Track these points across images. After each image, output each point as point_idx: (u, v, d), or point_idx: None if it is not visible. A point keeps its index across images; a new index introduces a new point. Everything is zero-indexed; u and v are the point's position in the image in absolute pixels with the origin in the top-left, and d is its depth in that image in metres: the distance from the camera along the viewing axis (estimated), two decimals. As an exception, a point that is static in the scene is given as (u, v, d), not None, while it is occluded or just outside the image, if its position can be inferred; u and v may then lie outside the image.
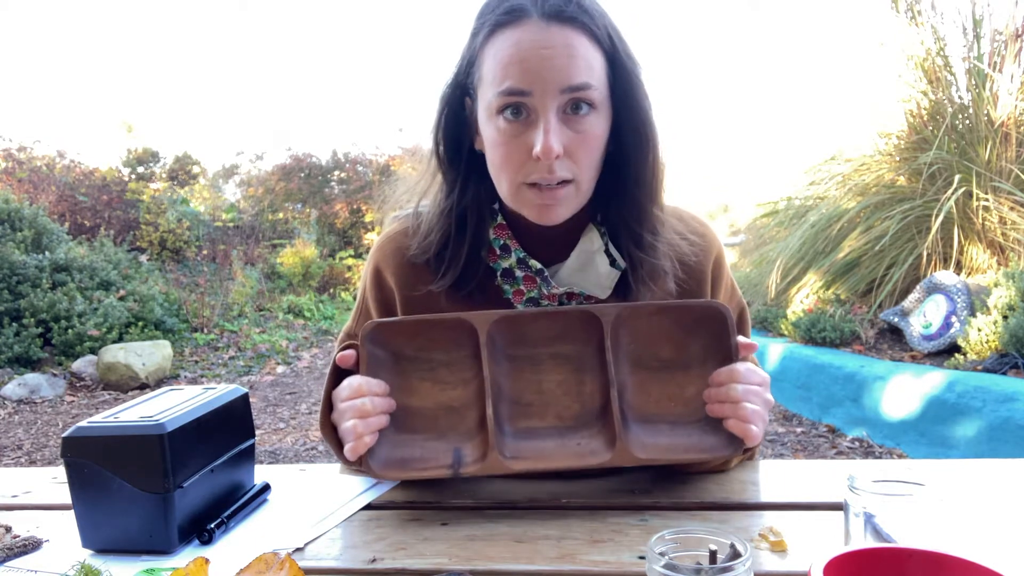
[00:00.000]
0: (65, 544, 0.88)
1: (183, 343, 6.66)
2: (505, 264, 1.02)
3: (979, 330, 3.47)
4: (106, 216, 9.44)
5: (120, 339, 6.01)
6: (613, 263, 1.00)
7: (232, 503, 0.93)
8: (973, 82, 4.48)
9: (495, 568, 0.77)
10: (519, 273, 1.01)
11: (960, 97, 4.67)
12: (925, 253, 4.16)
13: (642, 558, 0.77)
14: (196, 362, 6.27)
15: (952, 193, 4.08)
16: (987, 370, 3.30)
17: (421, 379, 0.94)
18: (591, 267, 1.01)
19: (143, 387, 5.44)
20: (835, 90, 5.66)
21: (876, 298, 4.28)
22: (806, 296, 4.77)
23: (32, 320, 5.85)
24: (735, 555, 0.57)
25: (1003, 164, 4.28)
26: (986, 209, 4.13)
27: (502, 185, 0.95)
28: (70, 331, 5.85)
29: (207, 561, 0.72)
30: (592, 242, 1.00)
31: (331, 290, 9.74)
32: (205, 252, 9.93)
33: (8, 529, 0.91)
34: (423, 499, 0.97)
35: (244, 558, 0.74)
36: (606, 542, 0.82)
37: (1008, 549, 0.77)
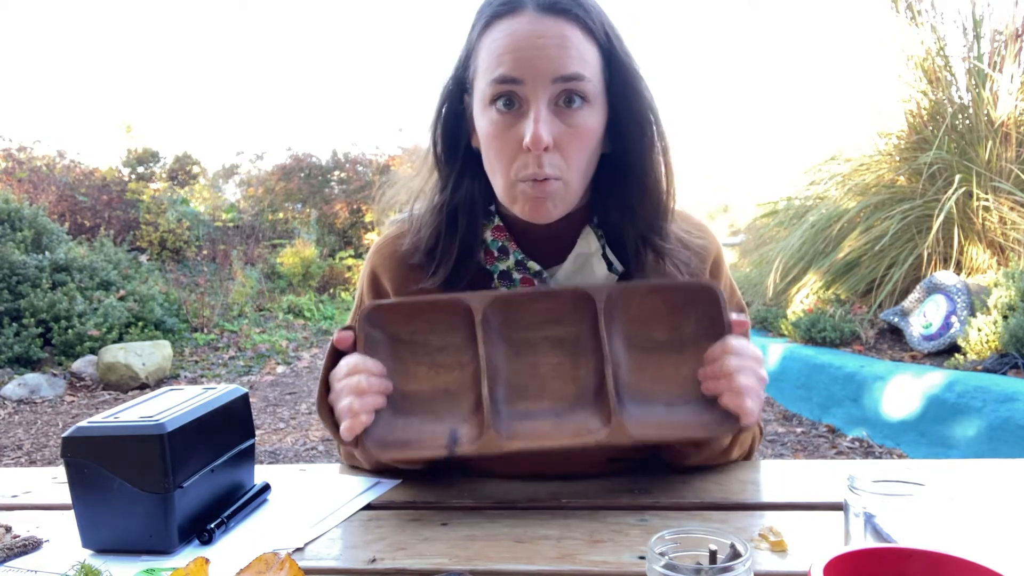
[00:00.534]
0: (65, 544, 0.88)
1: (183, 343, 6.66)
2: (503, 266, 1.02)
3: (979, 330, 3.47)
4: (106, 216, 9.44)
5: (120, 339, 6.01)
6: (610, 267, 1.00)
7: (232, 503, 0.93)
8: (973, 82, 4.48)
9: (495, 568, 0.77)
10: (517, 275, 1.01)
11: (960, 97, 4.67)
12: (925, 253, 4.16)
13: (642, 558, 0.77)
14: (196, 362, 6.27)
15: (952, 193, 4.08)
16: (987, 370, 3.30)
17: (418, 363, 0.95)
18: (588, 271, 1.01)
19: (143, 387, 5.44)
20: (835, 90, 5.65)
21: (876, 298, 4.28)
22: (806, 296, 4.77)
23: (32, 320, 5.85)
24: (735, 555, 0.57)
25: (1003, 164, 4.28)
26: (986, 209, 4.13)
27: (496, 181, 0.95)
28: (70, 331, 5.85)
29: (207, 561, 0.72)
30: (589, 245, 1.00)
31: (331, 290, 9.74)
32: (205, 252, 9.93)
33: (8, 529, 0.91)
34: (423, 499, 0.97)
35: (244, 558, 0.74)
36: (606, 542, 0.82)
37: (1008, 549, 0.77)
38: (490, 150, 0.94)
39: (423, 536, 0.86)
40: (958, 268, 4.23)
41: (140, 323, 6.28)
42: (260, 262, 9.75)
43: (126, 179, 10.65)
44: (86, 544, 0.86)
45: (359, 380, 0.88)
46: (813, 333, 4.29)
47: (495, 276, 1.02)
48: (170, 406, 0.88)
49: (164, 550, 0.84)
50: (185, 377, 5.82)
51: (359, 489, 1.01)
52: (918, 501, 0.66)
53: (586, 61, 0.89)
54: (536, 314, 0.94)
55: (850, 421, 3.77)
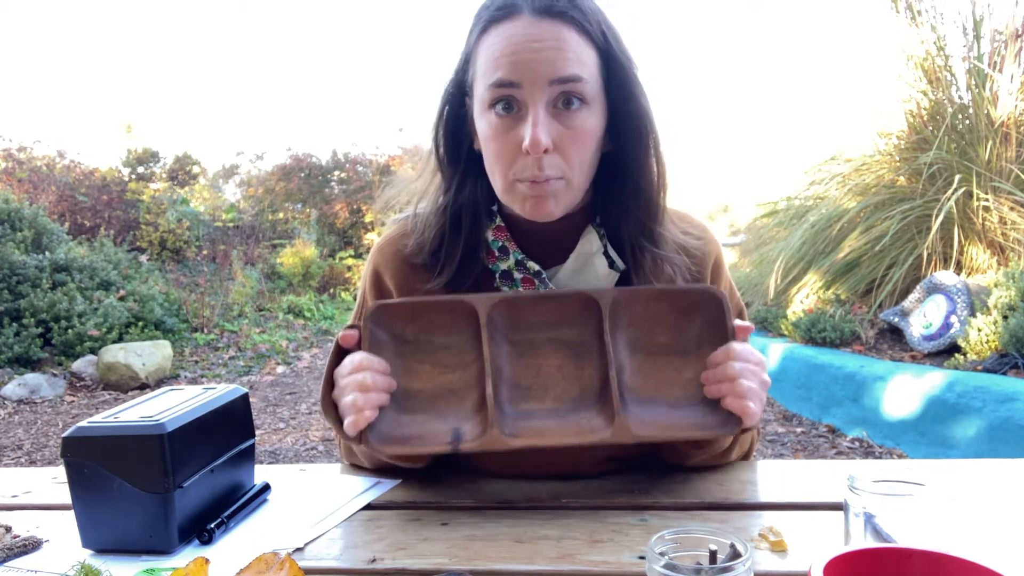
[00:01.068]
0: (65, 544, 0.88)
1: (183, 343, 6.66)
2: (504, 266, 1.02)
3: (979, 330, 3.47)
4: (106, 216, 9.44)
5: (120, 339, 6.01)
6: (612, 265, 1.00)
7: (232, 503, 0.93)
8: (973, 82, 4.48)
9: (495, 568, 0.77)
10: (518, 275, 1.01)
11: (960, 97, 4.67)
12: (925, 253, 4.16)
13: (642, 558, 0.77)
14: (196, 362, 6.27)
15: (952, 193, 4.08)
16: (987, 370, 3.30)
17: (421, 362, 0.95)
18: (589, 269, 1.01)
19: (143, 387, 5.44)
20: (835, 90, 5.65)
21: (876, 298, 4.27)
22: (806, 296, 4.77)
23: (32, 320, 5.85)
24: (735, 555, 0.57)
25: (1003, 164, 4.28)
26: (986, 209, 4.13)
27: (496, 182, 0.95)
28: (70, 331, 5.85)
29: (207, 561, 0.72)
30: (591, 244, 1.00)
31: (331, 290, 9.74)
32: (205, 252, 9.93)
33: (8, 529, 0.91)
34: (423, 499, 0.97)
35: (244, 558, 0.74)
36: (606, 542, 0.82)
37: (1008, 549, 0.77)
38: (489, 152, 0.94)
39: (423, 536, 0.86)
40: (958, 268, 4.23)
41: (140, 323, 6.28)
42: (260, 262, 9.75)
43: (126, 179, 10.65)
44: (86, 544, 0.86)
45: (364, 377, 0.89)
46: (813, 333, 4.29)
47: (497, 276, 1.02)
48: (170, 406, 0.88)
49: (164, 550, 0.84)
50: (185, 377, 5.82)
51: (359, 489, 1.01)
52: (918, 501, 0.66)
53: (583, 63, 0.89)
54: (540, 316, 0.94)
55: (850, 421, 3.76)
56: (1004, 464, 1.02)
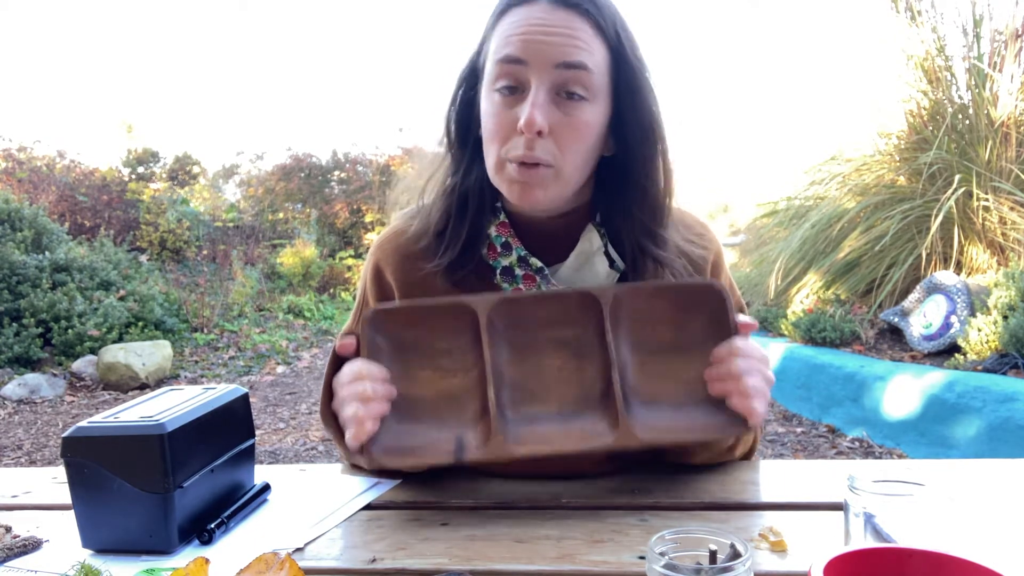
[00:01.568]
0: (65, 544, 0.88)
1: (183, 343, 6.65)
2: (505, 262, 1.02)
3: (979, 330, 3.47)
4: (106, 216, 9.44)
5: (120, 339, 6.01)
6: (612, 264, 1.00)
7: (232, 503, 0.93)
8: (973, 82, 4.48)
9: (495, 568, 0.77)
10: (519, 271, 1.01)
11: (960, 97, 4.67)
12: (925, 253, 4.16)
13: (642, 558, 0.77)
14: (196, 362, 6.27)
15: (952, 193, 4.08)
16: (987, 370, 3.30)
17: (422, 367, 0.94)
18: (590, 268, 1.01)
19: (143, 387, 5.44)
20: (835, 90, 5.65)
21: (876, 298, 4.27)
22: (806, 296, 4.77)
23: (32, 320, 5.85)
24: (735, 555, 0.57)
25: (1003, 164, 4.28)
26: (986, 209, 4.13)
27: (488, 159, 0.96)
28: (70, 331, 5.85)
29: (207, 561, 0.72)
30: (591, 242, 1.00)
31: (331, 290, 9.74)
32: (205, 252, 9.93)
33: (8, 529, 0.91)
34: (423, 499, 0.97)
35: (244, 558, 0.74)
36: (606, 542, 0.82)
37: (1008, 549, 0.77)
38: (486, 129, 0.95)
39: (423, 536, 0.86)
40: (958, 268, 4.23)
41: (140, 323, 6.28)
42: (260, 262, 9.74)
43: (126, 179, 10.64)
44: (86, 544, 0.86)
45: (364, 387, 0.88)
46: (813, 333, 4.29)
47: (497, 271, 1.02)
48: (170, 406, 0.88)
49: (164, 550, 0.84)
50: (185, 377, 5.82)
51: (359, 489, 1.01)
52: (918, 501, 0.66)
53: (592, 55, 0.90)
54: (540, 315, 0.94)
55: (850, 421, 3.76)
56: (1004, 464, 1.02)
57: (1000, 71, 4.35)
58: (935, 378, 3.31)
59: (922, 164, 4.40)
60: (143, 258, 8.44)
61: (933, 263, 4.21)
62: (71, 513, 0.86)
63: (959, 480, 0.97)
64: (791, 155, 6.23)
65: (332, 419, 0.93)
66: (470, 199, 1.01)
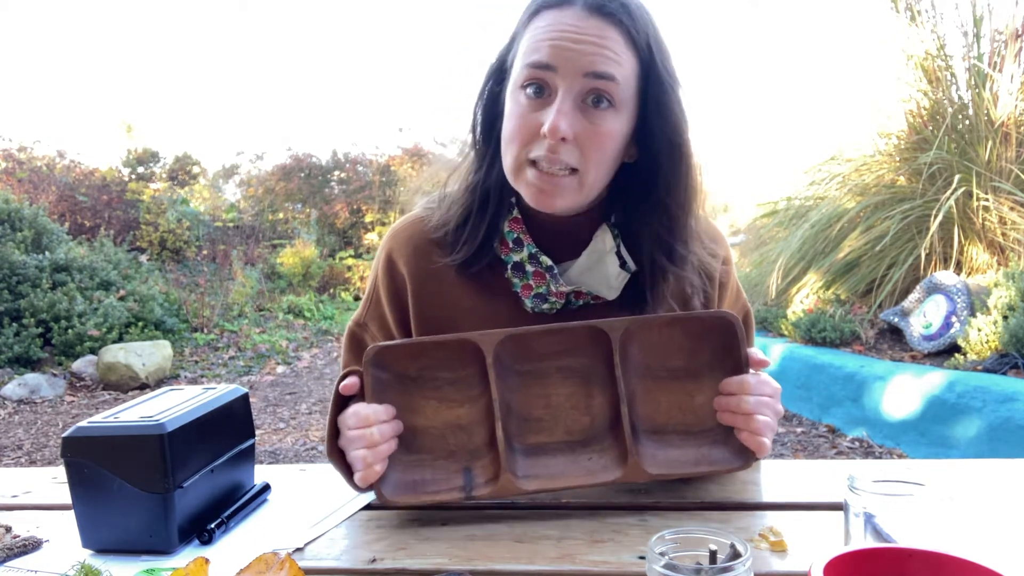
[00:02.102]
0: (65, 544, 0.88)
1: (183, 343, 6.65)
2: (516, 258, 1.02)
3: (979, 330, 3.47)
4: (106, 216, 9.44)
5: (120, 339, 6.01)
6: (623, 265, 1.00)
7: (232, 503, 0.93)
8: (973, 82, 4.48)
9: (495, 568, 0.77)
10: (530, 268, 1.01)
11: (960, 97, 4.67)
12: (925, 253, 4.16)
13: (642, 558, 0.77)
14: (196, 362, 6.27)
15: (952, 193, 4.08)
16: (987, 370, 3.30)
17: (427, 398, 0.94)
18: (601, 267, 1.00)
19: (143, 387, 5.44)
20: (835, 90, 5.65)
21: (876, 298, 4.27)
22: (806, 296, 4.76)
23: (32, 320, 5.85)
24: (735, 555, 0.57)
25: (1003, 164, 4.27)
26: (986, 209, 4.13)
27: (507, 158, 0.95)
28: (70, 331, 5.85)
29: (207, 561, 0.72)
30: (604, 243, 1.00)
31: (331, 290, 9.73)
32: (205, 252, 9.93)
33: (8, 529, 0.91)
34: (423, 499, 0.97)
35: (244, 558, 0.74)
36: (606, 542, 0.82)
37: (1008, 549, 0.77)
38: (508, 128, 0.94)
39: (423, 536, 0.86)
40: (958, 268, 4.23)
41: (140, 323, 6.28)
42: (260, 262, 9.74)
43: (126, 179, 10.64)
44: (86, 544, 0.86)
45: (371, 433, 0.88)
46: (813, 333, 4.29)
47: (508, 267, 1.02)
48: (170, 406, 0.88)
49: (164, 550, 0.84)
50: (185, 377, 5.81)
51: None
52: (918, 501, 0.66)
53: (621, 65, 0.90)
54: (548, 347, 0.93)
55: (850, 421, 3.76)
56: (1004, 464, 1.02)
57: (1000, 71, 4.35)
58: (935, 378, 3.31)
59: (922, 164, 4.40)
60: (143, 258, 8.44)
61: (933, 263, 4.21)
62: (71, 513, 0.86)
63: (959, 480, 0.97)
64: (791, 155, 6.22)
65: (339, 456, 0.92)
66: (491, 197, 1.01)
